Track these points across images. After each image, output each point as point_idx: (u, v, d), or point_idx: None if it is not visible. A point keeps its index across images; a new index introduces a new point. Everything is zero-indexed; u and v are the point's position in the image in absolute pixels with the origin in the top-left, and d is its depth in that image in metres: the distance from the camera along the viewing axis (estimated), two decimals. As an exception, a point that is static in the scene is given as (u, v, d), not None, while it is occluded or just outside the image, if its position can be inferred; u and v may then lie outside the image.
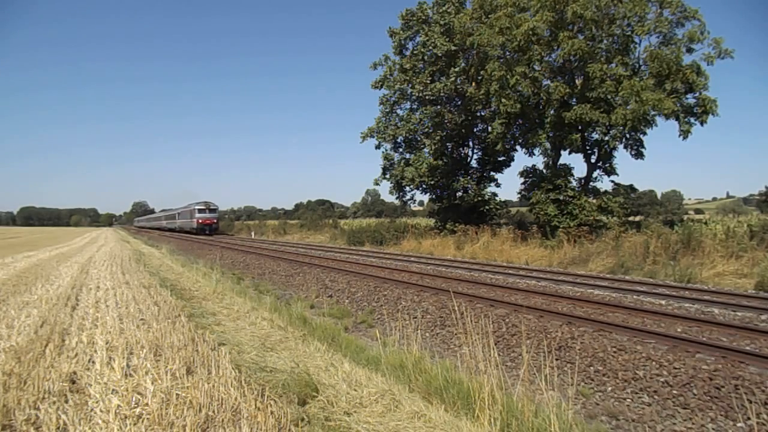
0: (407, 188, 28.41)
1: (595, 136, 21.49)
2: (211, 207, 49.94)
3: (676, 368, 5.34)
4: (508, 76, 20.92)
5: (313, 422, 3.58)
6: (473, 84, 25.03)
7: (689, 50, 19.44)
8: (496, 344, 6.10)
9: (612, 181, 21.65)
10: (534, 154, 23.79)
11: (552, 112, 21.18)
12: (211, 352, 4.91)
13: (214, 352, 4.95)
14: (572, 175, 21.52)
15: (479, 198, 26.35)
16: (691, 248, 13.87)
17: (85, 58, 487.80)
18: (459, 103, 27.14)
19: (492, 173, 28.07)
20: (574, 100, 20.89)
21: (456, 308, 6.23)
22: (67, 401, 3.73)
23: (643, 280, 11.96)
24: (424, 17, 26.34)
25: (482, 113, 26.67)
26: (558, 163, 22.29)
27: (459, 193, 27.43)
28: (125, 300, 8.26)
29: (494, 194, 27.57)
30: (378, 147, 29.50)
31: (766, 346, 6.00)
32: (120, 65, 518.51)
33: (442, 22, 25.32)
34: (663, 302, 8.72)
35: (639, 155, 20.92)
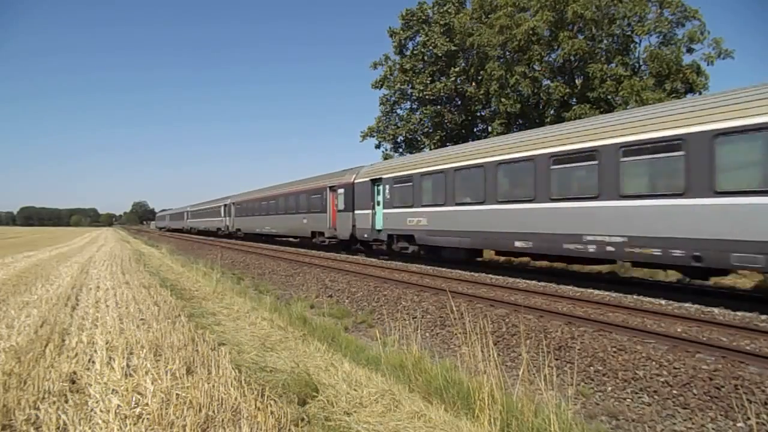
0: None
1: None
2: None
3: (676, 368, 5.33)
4: (508, 76, 20.94)
5: (313, 422, 3.58)
6: (473, 84, 25.04)
7: (689, 50, 19.47)
8: (495, 344, 6.11)
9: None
10: (534, 154, 23.75)
11: (552, 112, 21.18)
12: (211, 352, 4.91)
13: (214, 352, 4.95)
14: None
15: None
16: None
17: (85, 66, 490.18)
18: (459, 103, 27.15)
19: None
20: (574, 100, 20.89)
21: (455, 308, 6.23)
22: (67, 401, 3.73)
23: (643, 280, 11.96)
24: (424, 17, 26.37)
25: (482, 113, 26.69)
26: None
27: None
28: (125, 300, 8.26)
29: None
30: (378, 147, 29.55)
31: (766, 346, 5.99)
32: (120, 71, 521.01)
33: (442, 22, 25.34)
34: (663, 302, 8.71)
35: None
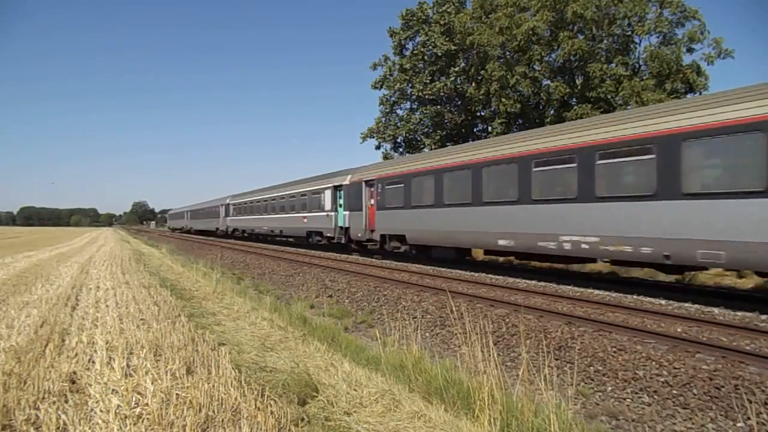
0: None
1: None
2: None
3: (676, 368, 5.33)
4: (508, 76, 20.96)
5: (313, 422, 3.58)
6: (473, 84, 25.04)
7: (689, 50, 19.49)
8: (495, 344, 6.10)
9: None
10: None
11: (552, 112, 21.20)
12: (211, 352, 4.91)
13: (214, 352, 4.95)
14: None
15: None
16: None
17: (86, 68, 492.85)
18: (459, 103, 27.16)
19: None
20: (574, 100, 20.90)
21: (454, 308, 6.23)
22: (67, 401, 3.73)
23: (643, 280, 11.95)
24: (424, 17, 26.37)
25: (482, 113, 26.69)
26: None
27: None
28: (125, 300, 8.26)
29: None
30: (378, 147, 29.56)
31: (766, 346, 5.99)
32: (121, 74, 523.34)
33: (442, 22, 25.35)
34: (663, 302, 8.71)
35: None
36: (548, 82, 21.66)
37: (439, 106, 26.69)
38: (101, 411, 3.51)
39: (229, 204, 37.45)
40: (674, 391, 4.90)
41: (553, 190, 10.67)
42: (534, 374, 4.51)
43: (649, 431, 4.37)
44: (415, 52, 26.45)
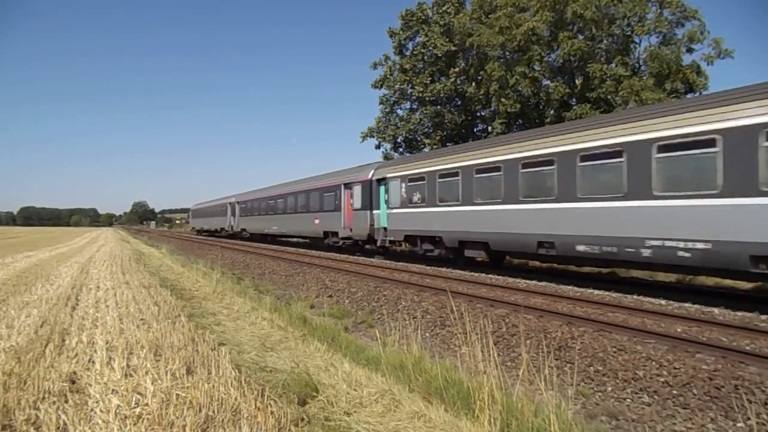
0: (407, 188, 28.35)
1: (596, 136, 21.47)
2: None
3: (676, 368, 5.33)
4: (508, 76, 20.96)
5: (313, 422, 3.58)
6: (473, 84, 25.04)
7: (689, 50, 19.48)
8: (495, 344, 6.10)
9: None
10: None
11: (552, 112, 21.19)
12: (211, 352, 4.91)
13: (214, 352, 4.95)
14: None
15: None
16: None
17: (86, 70, 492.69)
18: (459, 103, 27.16)
19: (492, 173, 28.01)
20: (574, 100, 20.90)
21: (455, 308, 6.23)
22: (67, 401, 3.73)
23: (643, 280, 11.94)
24: (423, 17, 26.37)
25: (482, 113, 26.70)
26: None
27: (459, 193, 27.36)
28: (125, 300, 8.26)
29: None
30: (378, 147, 29.54)
31: (766, 346, 5.99)
32: (122, 75, 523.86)
33: (441, 23, 25.35)
34: (663, 302, 8.71)
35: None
36: (548, 82, 21.67)
37: (439, 107, 26.69)
38: (101, 411, 3.51)
39: (371, 180, 17.91)
40: (674, 391, 4.90)
41: None
42: (534, 374, 4.51)
43: (649, 431, 4.37)
44: (415, 52, 26.45)
